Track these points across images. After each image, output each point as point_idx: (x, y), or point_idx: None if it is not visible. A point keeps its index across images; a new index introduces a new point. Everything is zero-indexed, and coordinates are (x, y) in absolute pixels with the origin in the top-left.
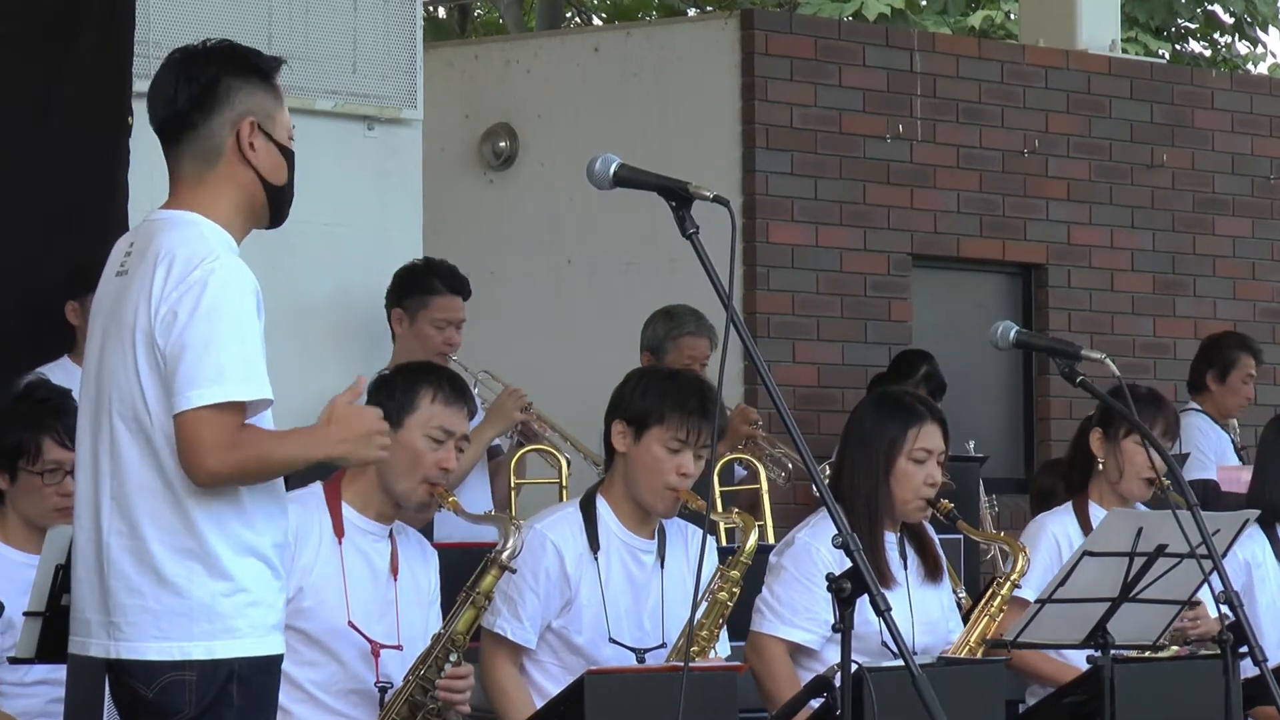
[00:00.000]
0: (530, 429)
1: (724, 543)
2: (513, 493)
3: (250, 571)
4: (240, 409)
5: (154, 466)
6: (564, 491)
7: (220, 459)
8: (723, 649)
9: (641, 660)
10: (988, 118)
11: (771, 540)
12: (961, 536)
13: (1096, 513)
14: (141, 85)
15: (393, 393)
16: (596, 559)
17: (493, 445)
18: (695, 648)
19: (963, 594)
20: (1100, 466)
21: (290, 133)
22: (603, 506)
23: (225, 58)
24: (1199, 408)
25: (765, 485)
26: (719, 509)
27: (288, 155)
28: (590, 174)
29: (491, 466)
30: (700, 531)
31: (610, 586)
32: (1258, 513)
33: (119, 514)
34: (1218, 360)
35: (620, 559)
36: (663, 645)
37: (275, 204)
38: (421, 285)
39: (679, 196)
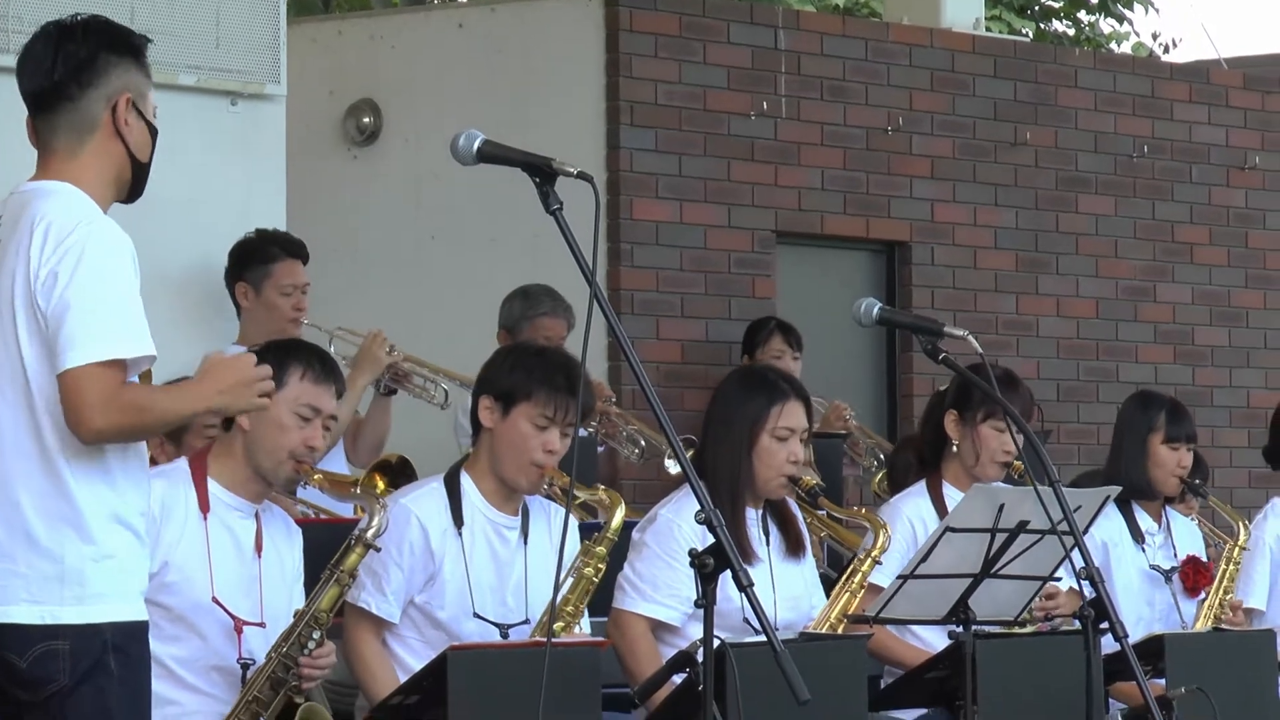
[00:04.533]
0: (399, 369)
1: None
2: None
3: (118, 539)
4: (123, 366)
5: (31, 432)
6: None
7: (105, 415)
8: (583, 626)
9: (505, 636)
10: (852, 95)
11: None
12: (825, 513)
13: (951, 494)
14: (2, 60)
15: None
16: (461, 535)
17: None
18: (560, 623)
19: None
20: (955, 449)
21: (155, 110)
22: (467, 483)
23: (102, 33)
24: None
25: None
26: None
27: (154, 133)
28: (454, 150)
29: (352, 425)
30: (562, 510)
31: (474, 562)
32: (1119, 489)
33: None
34: None
35: (484, 535)
36: (526, 621)
37: (137, 179)
38: (261, 255)
39: (543, 173)
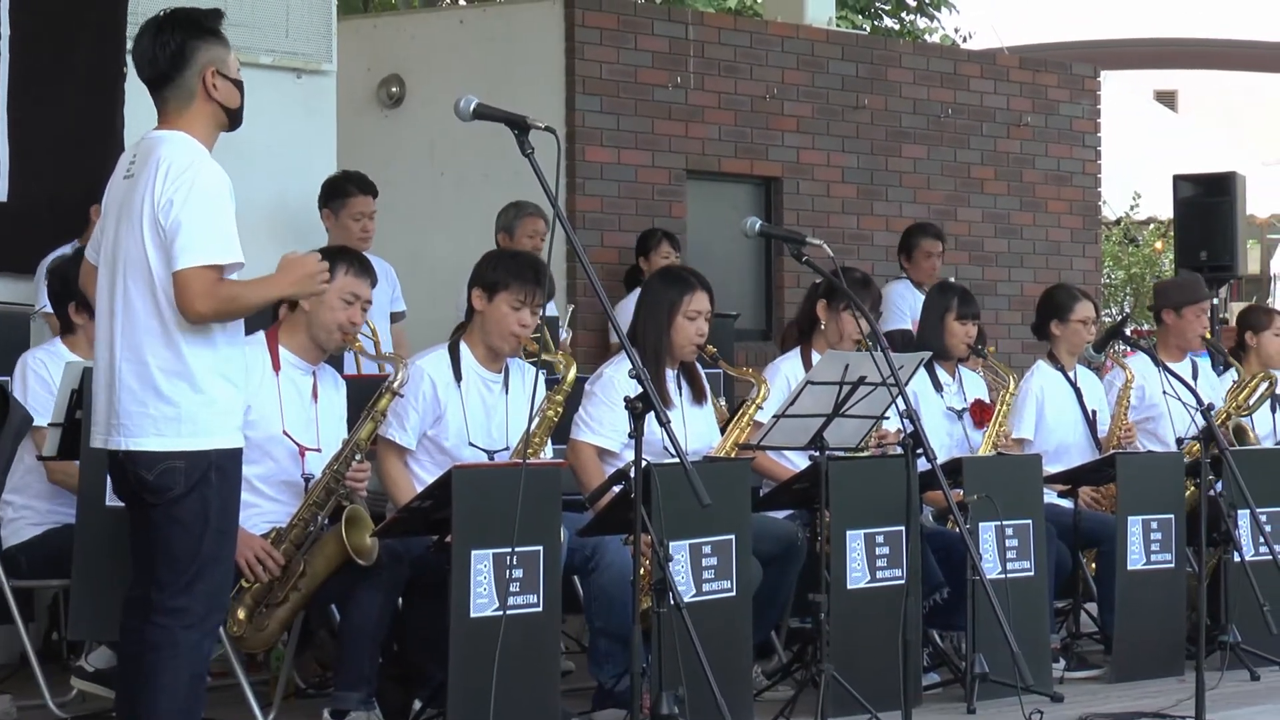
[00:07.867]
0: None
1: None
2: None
3: (220, 389)
4: (219, 269)
5: (156, 314)
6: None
7: (205, 303)
8: (547, 452)
9: (492, 458)
10: (741, 73)
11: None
12: (721, 371)
13: (816, 359)
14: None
15: None
16: (460, 386)
17: (395, 311)
18: (530, 450)
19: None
20: (822, 327)
21: (238, 67)
22: (464, 349)
23: (185, 24)
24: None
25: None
26: (550, 351)
27: (239, 85)
28: (456, 110)
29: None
30: (534, 368)
31: (469, 406)
32: (930, 354)
33: (128, 348)
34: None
35: (476, 386)
36: (507, 448)
37: (233, 118)
38: (339, 190)
39: (520, 126)
